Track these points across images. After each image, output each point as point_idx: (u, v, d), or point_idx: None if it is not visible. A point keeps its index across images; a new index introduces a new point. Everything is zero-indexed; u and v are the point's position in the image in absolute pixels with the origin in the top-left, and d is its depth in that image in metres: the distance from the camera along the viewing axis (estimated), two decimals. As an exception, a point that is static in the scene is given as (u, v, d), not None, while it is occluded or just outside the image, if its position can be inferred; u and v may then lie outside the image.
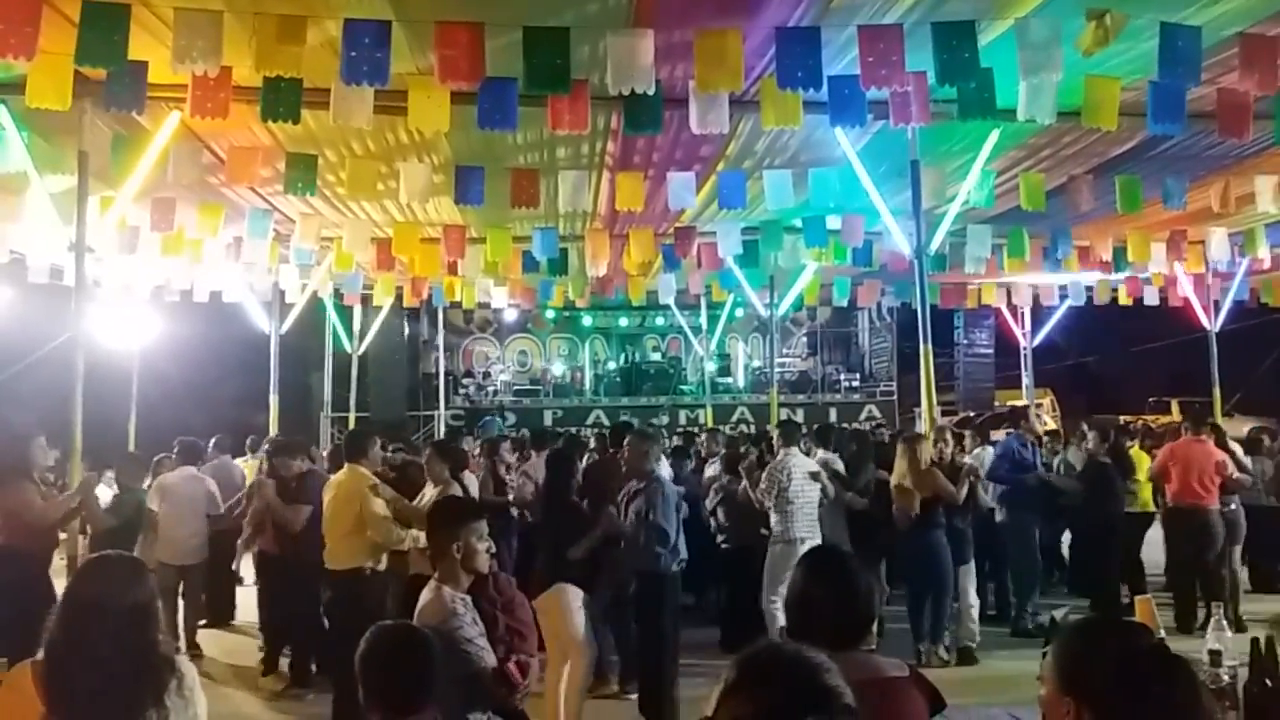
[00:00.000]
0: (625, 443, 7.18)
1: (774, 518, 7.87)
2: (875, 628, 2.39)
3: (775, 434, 8.70)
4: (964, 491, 8.01)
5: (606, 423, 19.04)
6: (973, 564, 8.24)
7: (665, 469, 8.28)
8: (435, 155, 8.99)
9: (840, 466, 8.64)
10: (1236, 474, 9.10)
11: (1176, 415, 19.77)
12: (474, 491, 8.02)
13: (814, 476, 7.93)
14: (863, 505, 8.43)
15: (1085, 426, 10.01)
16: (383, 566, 6.54)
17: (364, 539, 6.37)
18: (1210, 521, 8.82)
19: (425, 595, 3.53)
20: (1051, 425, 17.81)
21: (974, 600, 8.22)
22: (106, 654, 2.32)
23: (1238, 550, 9.24)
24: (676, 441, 12.72)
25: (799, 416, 20.18)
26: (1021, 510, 9.00)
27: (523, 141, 8.75)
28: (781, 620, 7.43)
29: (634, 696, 6.75)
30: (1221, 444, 9.27)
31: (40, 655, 2.39)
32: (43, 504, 6.41)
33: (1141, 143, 8.76)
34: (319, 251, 12.28)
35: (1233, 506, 9.11)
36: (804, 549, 7.51)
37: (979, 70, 6.06)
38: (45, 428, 6.92)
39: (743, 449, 9.85)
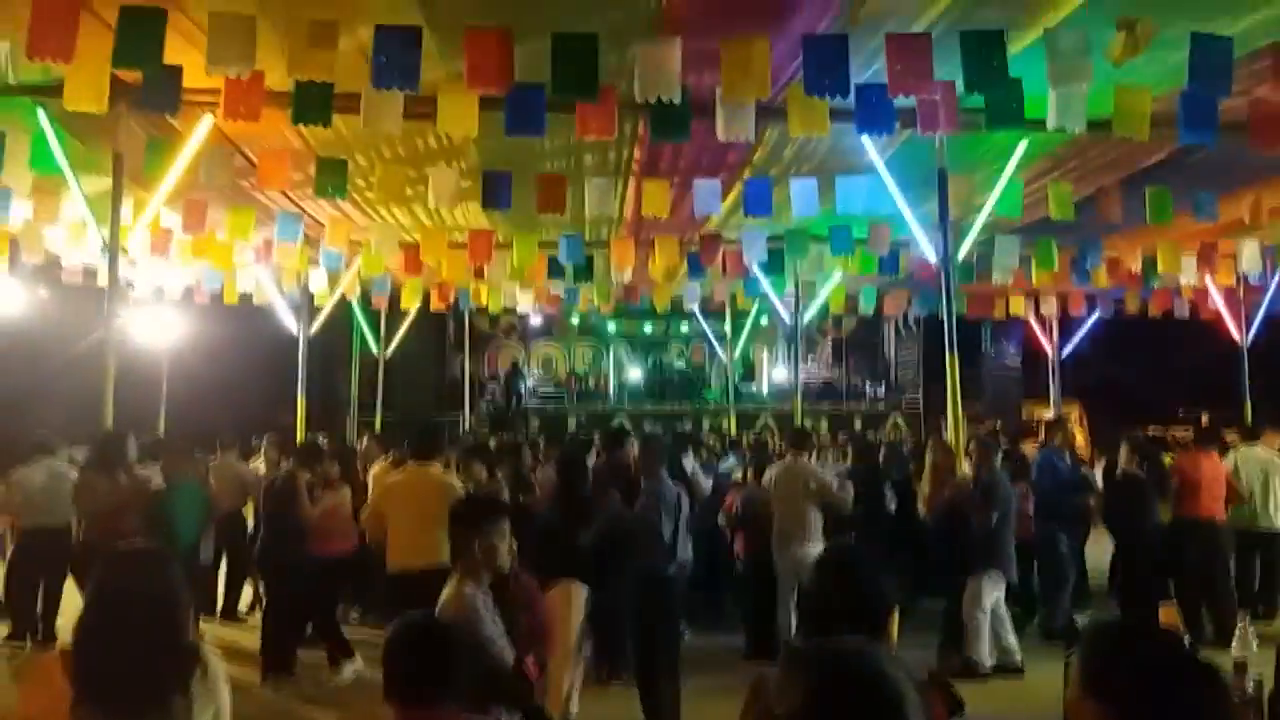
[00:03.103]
0: (637, 449, 7.28)
1: (774, 521, 8.04)
2: (892, 629, 2.37)
3: (786, 439, 8.75)
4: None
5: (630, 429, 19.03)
6: (987, 575, 7.57)
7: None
8: (463, 160, 9.05)
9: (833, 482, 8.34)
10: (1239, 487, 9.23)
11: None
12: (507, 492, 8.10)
13: (811, 490, 7.95)
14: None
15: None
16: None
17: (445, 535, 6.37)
18: (1222, 534, 8.92)
19: (446, 592, 3.54)
20: (1080, 438, 17.58)
21: (981, 615, 7.50)
22: (133, 641, 2.37)
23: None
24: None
25: (824, 425, 20.12)
26: (1048, 519, 8.96)
27: (550, 147, 8.80)
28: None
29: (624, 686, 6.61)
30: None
31: (69, 644, 2.44)
32: (109, 499, 6.48)
33: (1171, 154, 8.69)
34: (348, 255, 12.39)
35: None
36: (789, 550, 7.77)
37: (1008, 79, 6.03)
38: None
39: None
